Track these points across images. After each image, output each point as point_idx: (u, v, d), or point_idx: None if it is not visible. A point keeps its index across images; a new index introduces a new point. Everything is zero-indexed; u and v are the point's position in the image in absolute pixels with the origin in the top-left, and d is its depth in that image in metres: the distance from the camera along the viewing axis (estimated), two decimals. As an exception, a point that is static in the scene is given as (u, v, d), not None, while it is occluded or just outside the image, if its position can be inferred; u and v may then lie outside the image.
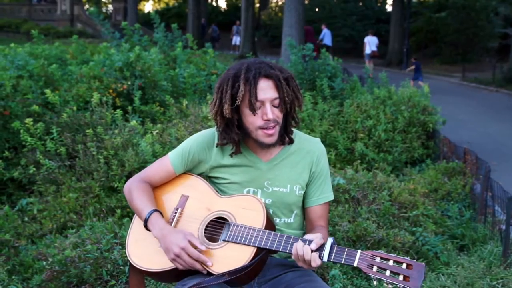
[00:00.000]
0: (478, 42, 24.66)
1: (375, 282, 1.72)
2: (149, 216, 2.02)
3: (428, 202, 4.50)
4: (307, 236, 1.88)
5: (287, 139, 2.11)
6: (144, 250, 2.06)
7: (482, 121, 10.92)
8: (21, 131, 4.84)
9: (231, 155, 2.11)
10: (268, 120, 1.98)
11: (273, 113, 1.98)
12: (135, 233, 2.12)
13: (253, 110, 1.96)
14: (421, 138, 6.81)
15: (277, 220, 2.12)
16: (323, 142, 5.93)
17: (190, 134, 4.76)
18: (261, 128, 2.00)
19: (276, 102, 1.99)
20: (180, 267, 1.92)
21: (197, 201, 2.10)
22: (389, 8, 33.66)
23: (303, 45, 8.70)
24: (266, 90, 1.97)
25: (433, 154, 6.80)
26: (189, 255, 1.89)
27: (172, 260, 1.93)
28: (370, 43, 18.51)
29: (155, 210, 2.04)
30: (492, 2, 24.51)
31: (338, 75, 8.15)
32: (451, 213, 4.62)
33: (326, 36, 19.11)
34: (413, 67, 15.32)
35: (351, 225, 3.81)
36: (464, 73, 19.46)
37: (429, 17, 26.37)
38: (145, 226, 2.04)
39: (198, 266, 1.91)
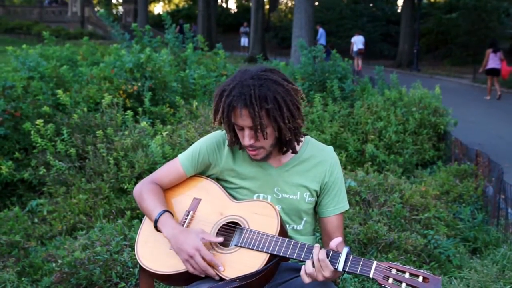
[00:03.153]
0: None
1: None
2: (159, 217, 2.00)
3: (440, 205, 4.45)
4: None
5: (295, 145, 2.05)
6: (154, 252, 2.03)
7: (494, 123, 10.80)
8: (32, 132, 4.86)
9: (240, 149, 2.08)
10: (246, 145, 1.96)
11: (251, 138, 1.92)
12: (145, 234, 2.10)
13: (228, 132, 1.98)
14: (432, 139, 6.76)
15: (286, 227, 2.09)
16: (333, 143, 6.03)
17: (200, 135, 4.76)
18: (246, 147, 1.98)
19: (253, 130, 1.90)
20: (191, 269, 1.89)
21: (210, 205, 2.07)
22: (399, 9, 33.55)
23: (313, 46, 8.67)
24: (242, 117, 1.88)
25: (444, 156, 6.73)
26: (202, 257, 1.87)
27: (185, 261, 1.90)
28: (357, 42, 20.02)
29: (165, 211, 2.01)
30: (504, 3, 24.35)
31: (348, 76, 8.12)
32: (463, 216, 4.57)
33: (321, 36, 20.46)
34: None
35: (362, 227, 3.78)
36: (475, 74, 19.30)
37: (440, 18, 26.25)
38: (155, 226, 2.01)
39: (210, 271, 1.88)
